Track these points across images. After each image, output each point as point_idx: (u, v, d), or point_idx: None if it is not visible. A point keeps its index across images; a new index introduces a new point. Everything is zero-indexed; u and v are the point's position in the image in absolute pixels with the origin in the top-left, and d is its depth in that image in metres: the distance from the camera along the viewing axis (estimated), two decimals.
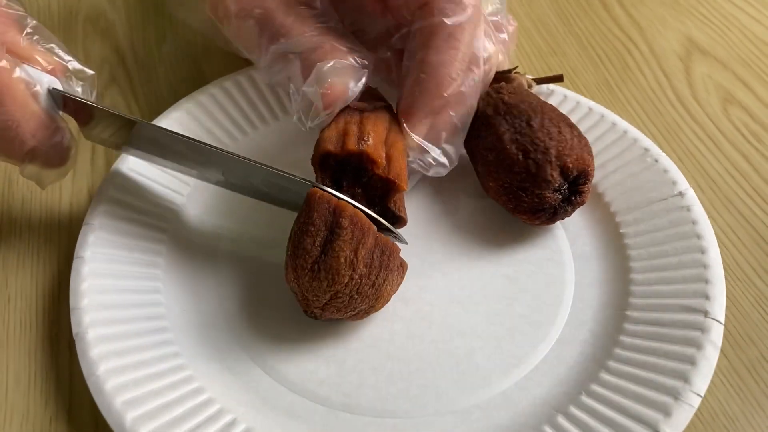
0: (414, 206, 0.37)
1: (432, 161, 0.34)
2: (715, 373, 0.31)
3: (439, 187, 0.38)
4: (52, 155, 0.33)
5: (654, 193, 0.35)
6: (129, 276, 0.33)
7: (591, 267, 0.34)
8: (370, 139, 0.32)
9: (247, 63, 0.39)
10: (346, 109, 0.33)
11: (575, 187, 0.34)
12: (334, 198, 0.30)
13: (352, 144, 0.32)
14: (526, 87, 0.38)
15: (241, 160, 0.33)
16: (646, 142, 0.37)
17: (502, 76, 0.38)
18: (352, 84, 0.32)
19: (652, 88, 0.44)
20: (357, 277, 0.29)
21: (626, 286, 0.33)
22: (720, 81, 0.44)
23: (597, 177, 0.37)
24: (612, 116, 0.39)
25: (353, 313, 0.31)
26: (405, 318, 0.33)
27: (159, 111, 0.40)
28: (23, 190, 0.40)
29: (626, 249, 0.34)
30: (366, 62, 0.33)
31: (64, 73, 0.33)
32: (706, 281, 0.31)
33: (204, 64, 0.47)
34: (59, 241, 0.37)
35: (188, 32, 0.49)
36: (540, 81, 0.40)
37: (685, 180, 0.36)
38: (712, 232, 0.33)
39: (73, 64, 0.34)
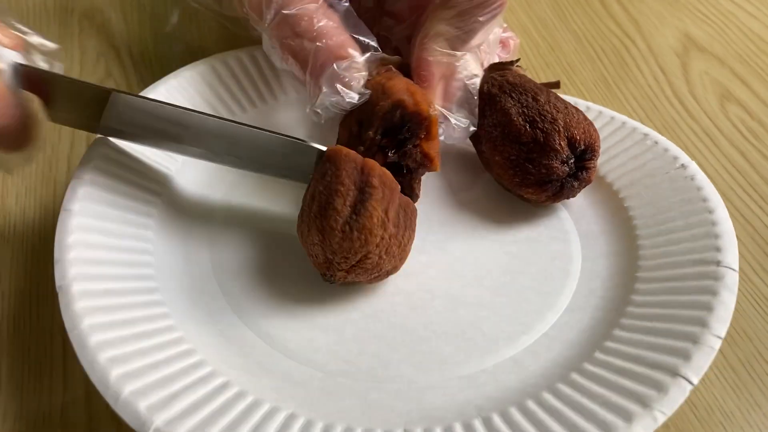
0: None
1: (453, 125, 0.34)
2: (711, 368, 0.30)
3: (441, 169, 0.37)
4: (18, 136, 0.30)
5: (657, 169, 0.35)
6: (118, 234, 0.32)
7: (598, 242, 0.34)
8: (436, 110, 0.31)
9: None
10: (389, 70, 0.33)
11: (581, 162, 0.33)
12: (359, 156, 0.29)
13: (425, 105, 0.31)
14: None
15: (237, 125, 0.31)
16: (645, 128, 0.37)
17: (504, 67, 0.38)
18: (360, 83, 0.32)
19: (649, 85, 0.45)
20: (387, 236, 0.29)
21: (635, 252, 0.32)
22: (717, 78, 0.45)
23: (599, 162, 0.36)
24: (610, 111, 0.39)
25: (377, 274, 0.30)
26: (407, 291, 0.32)
27: None
28: (18, 186, 0.38)
29: (632, 220, 0.33)
30: (375, 46, 0.33)
31: (26, 48, 0.31)
32: (716, 236, 0.31)
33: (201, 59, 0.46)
34: (54, 237, 0.36)
35: (184, 26, 0.49)
36: None
37: (686, 155, 0.35)
38: (719, 196, 0.33)
39: (35, 38, 0.31)
